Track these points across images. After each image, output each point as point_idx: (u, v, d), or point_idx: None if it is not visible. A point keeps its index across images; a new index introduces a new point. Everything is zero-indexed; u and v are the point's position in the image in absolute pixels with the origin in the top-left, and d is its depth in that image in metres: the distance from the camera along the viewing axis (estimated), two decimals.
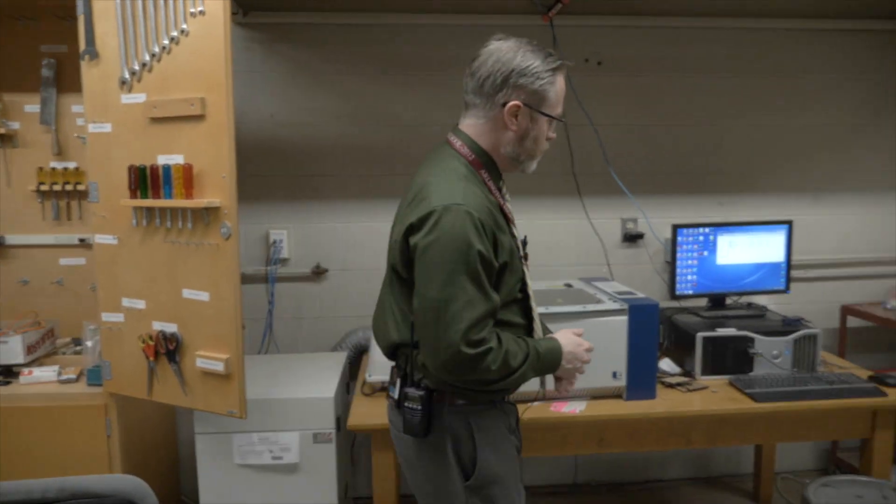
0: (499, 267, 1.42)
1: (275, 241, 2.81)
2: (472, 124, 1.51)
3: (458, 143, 1.51)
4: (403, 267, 1.45)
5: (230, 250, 1.92)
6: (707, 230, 2.65)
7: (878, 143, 3.07)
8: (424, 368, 1.48)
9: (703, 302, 2.73)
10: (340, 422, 2.33)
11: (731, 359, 2.38)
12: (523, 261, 1.55)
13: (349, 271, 2.87)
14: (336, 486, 2.29)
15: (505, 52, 1.43)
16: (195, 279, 1.97)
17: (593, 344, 1.62)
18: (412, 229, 1.39)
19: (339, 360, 2.62)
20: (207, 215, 1.92)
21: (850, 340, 3.06)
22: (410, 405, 1.49)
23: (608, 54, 2.87)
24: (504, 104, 1.44)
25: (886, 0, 2.78)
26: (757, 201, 3.03)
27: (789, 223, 2.72)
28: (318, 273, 2.86)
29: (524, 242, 1.58)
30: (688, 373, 2.42)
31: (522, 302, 1.55)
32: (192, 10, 1.87)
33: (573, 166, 2.88)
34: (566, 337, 1.58)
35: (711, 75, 2.93)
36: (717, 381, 2.35)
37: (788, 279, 2.73)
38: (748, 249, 2.69)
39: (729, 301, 2.74)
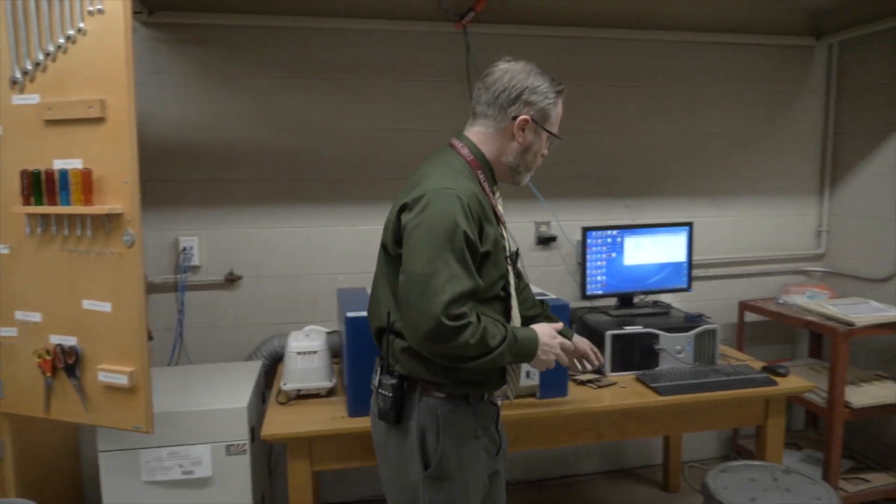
0: (482, 254, 1.51)
1: (185, 248, 2.72)
2: (479, 132, 1.64)
3: (459, 145, 1.64)
4: (393, 244, 1.55)
5: (133, 258, 1.84)
6: (615, 232, 2.76)
7: (770, 149, 3.29)
8: (401, 353, 1.55)
9: (613, 301, 2.85)
10: (255, 432, 2.28)
11: (638, 355, 2.49)
12: (510, 262, 1.65)
13: (264, 278, 2.82)
14: (251, 498, 2.24)
15: (518, 71, 1.61)
16: (96, 289, 1.88)
17: None
18: (405, 208, 1.51)
19: (254, 368, 2.56)
20: (108, 222, 1.84)
21: (747, 334, 3.27)
22: (383, 392, 1.57)
23: None
24: (515, 117, 1.60)
25: (778, 18, 3.04)
26: (660, 204, 3.19)
27: (690, 225, 2.88)
28: (232, 280, 2.79)
29: (516, 253, 1.73)
30: (598, 370, 2.50)
31: (505, 301, 1.63)
32: (90, 8, 1.79)
33: None
34: (543, 329, 1.66)
35: (618, 84, 3.06)
36: (626, 377, 2.45)
37: (690, 278, 2.89)
38: (653, 250, 2.82)
39: (636, 300, 2.86)
